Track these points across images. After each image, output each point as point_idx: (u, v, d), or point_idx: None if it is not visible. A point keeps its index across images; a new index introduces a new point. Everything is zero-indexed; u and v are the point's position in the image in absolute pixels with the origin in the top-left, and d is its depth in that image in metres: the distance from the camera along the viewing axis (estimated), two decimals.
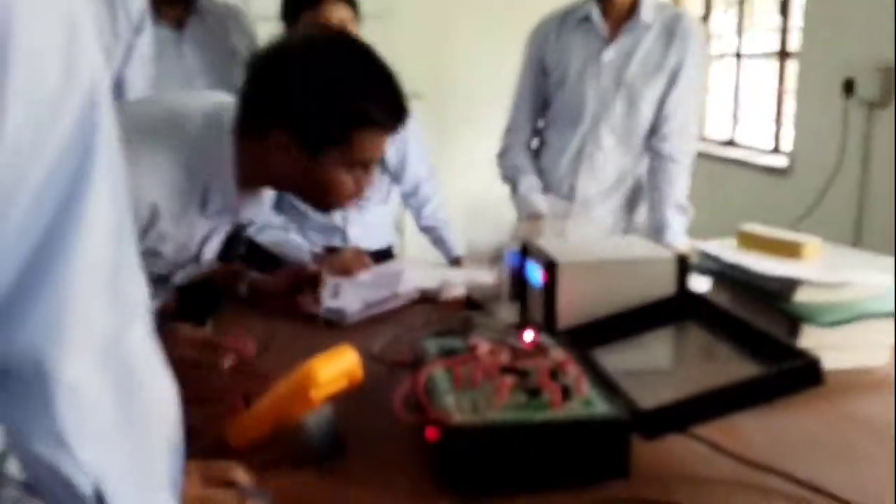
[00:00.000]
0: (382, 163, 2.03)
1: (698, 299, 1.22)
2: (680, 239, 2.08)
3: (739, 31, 4.28)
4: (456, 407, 0.88)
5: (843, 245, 1.50)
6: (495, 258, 1.58)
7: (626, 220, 2.25)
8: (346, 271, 1.77)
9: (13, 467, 0.47)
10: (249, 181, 1.24)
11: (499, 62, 3.92)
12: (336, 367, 0.94)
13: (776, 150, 3.86)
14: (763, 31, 4.14)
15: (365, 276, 1.77)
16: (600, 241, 1.48)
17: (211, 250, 1.33)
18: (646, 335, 1.20)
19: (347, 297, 1.58)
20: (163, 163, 1.15)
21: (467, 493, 0.86)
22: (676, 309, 1.21)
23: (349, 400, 0.98)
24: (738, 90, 4.26)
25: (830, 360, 0.95)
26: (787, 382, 0.92)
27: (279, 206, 1.96)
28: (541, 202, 2.06)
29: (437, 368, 0.98)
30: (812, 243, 1.38)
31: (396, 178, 2.15)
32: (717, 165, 4.05)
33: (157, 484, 0.53)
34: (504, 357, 1.00)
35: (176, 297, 1.43)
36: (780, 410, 1.01)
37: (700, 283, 1.43)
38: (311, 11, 1.91)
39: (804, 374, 0.91)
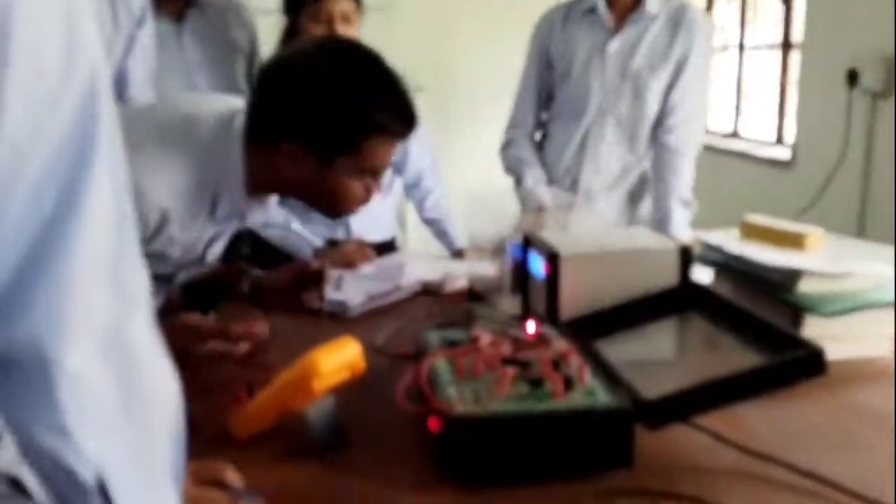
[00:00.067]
0: None
1: (701, 290, 1.22)
2: (683, 232, 2.08)
3: (742, 23, 4.26)
4: (458, 398, 0.88)
5: (847, 236, 1.49)
6: (497, 250, 1.58)
7: (629, 213, 2.24)
8: (348, 264, 1.77)
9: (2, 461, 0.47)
10: (258, 188, 1.24)
11: (501, 54, 3.92)
12: (338, 359, 0.94)
13: (779, 141, 3.85)
14: (766, 22, 4.13)
15: (367, 268, 1.77)
16: (602, 233, 1.48)
17: (215, 252, 1.34)
18: (648, 326, 1.19)
19: (350, 289, 1.58)
20: (175, 169, 1.16)
21: (470, 483, 0.86)
22: (679, 300, 1.21)
23: (352, 391, 0.98)
24: (740, 82, 4.25)
25: (833, 351, 0.95)
26: (789, 372, 0.92)
27: (282, 199, 1.96)
28: (545, 195, 2.06)
29: (439, 359, 0.98)
30: (814, 234, 1.38)
31: (398, 169, 2.14)
32: (720, 158, 4.04)
33: (159, 474, 0.53)
34: (506, 348, 1.00)
35: (181, 290, 1.43)
36: (782, 401, 1.01)
37: (703, 275, 1.42)
38: (314, 4, 1.90)
39: (807, 364, 0.91)
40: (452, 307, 1.50)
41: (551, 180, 2.21)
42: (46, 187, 0.45)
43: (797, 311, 1.23)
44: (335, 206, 1.27)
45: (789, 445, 0.94)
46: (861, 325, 1.23)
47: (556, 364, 0.95)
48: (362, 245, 1.88)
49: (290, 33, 1.98)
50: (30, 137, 0.44)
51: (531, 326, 1.07)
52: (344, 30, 1.92)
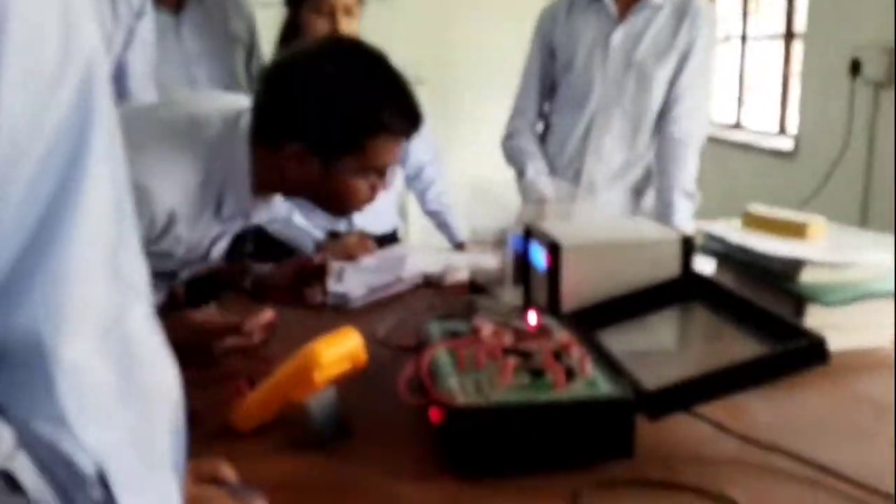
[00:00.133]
0: None
1: (703, 280, 1.22)
2: (686, 224, 2.07)
3: (744, 13, 4.25)
4: (459, 388, 0.88)
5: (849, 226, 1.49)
6: (499, 242, 1.58)
7: (633, 206, 2.23)
8: (349, 256, 1.77)
9: None
10: (264, 188, 1.25)
11: (503, 46, 3.91)
12: (339, 349, 0.94)
13: (782, 132, 3.84)
14: (768, 12, 4.11)
15: (369, 260, 1.77)
16: (604, 224, 1.47)
17: (219, 250, 1.34)
18: (650, 317, 1.19)
19: (352, 281, 1.58)
20: (182, 169, 1.17)
21: (471, 474, 0.86)
22: (681, 290, 1.21)
23: (353, 383, 0.98)
24: (743, 72, 4.24)
25: (835, 341, 0.94)
26: (792, 361, 0.91)
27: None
28: (547, 187, 2.05)
29: (440, 351, 0.98)
30: (817, 223, 1.38)
31: (399, 161, 2.14)
32: (722, 149, 4.03)
33: (159, 464, 0.53)
34: (507, 339, 1.00)
35: (184, 285, 1.43)
36: (785, 391, 1.01)
37: (705, 265, 1.42)
38: None
39: (809, 353, 0.91)
40: (454, 299, 1.50)
41: (554, 172, 2.20)
42: (44, 178, 0.45)
43: (799, 300, 1.23)
44: (340, 205, 1.27)
45: (791, 435, 0.93)
46: (863, 314, 1.23)
47: (558, 355, 0.95)
48: (363, 237, 1.88)
49: (291, 26, 1.97)
50: (27, 129, 0.44)
51: (532, 317, 1.07)
52: (346, 22, 1.92)
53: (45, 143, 0.45)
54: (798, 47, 3.71)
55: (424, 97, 1.26)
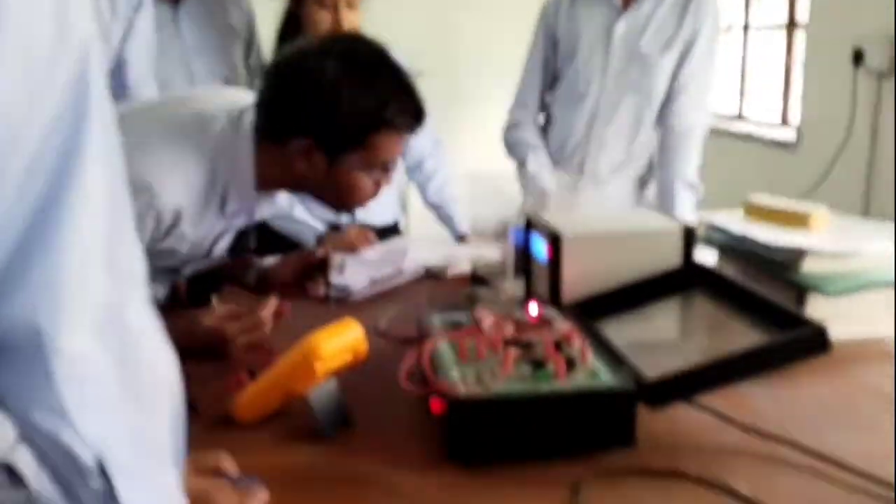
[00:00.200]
0: None
1: (704, 270, 1.22)
2: (689, 215, 2.07)
3: (747, 3, 4.23)
4: (461, 379, 0.88)
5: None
6: (500, 233, 1.58)
7: (637, 198, 2.22)
8: (350, 248, 1.77)
9: None
10: (268, 184, 1.25)
11: (505, 36, 3.90)
12: (340, 340, 0.94)
13: (784, 122, 3.83)
14: (770, 2, 4.09)
15: (370, 253, 1.77)
16: (605, 214, 1.47)
17: (222, 247, 1.34)
18: (652, 307, 1.19)
19: (353, 274, 1.57)
20: (188, 168, 1.17)
21: (472, 464, 0.86)
22: (683, 281, 1.21)
23: (355, 374, 0.98)
24: (745, 63, 4.22)
25: (837, 330, 0.94)
26: (793, 351, 0.91)
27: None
28: (548, 180, 2.05)
29: (441, 342, 0.98)
30: (819, 213, 1.37)
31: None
32: (725, 140, 4.02)
33: (158, 454, 0.53)
34: (508, 330, 1.00)
35: (186, 281, 1.43)
36: (786, 380, 1.01)
37: (707, 256, 1.42)
38: None
39: (810, 343, 0.91)
40: (455, 291, 1.50)
41: (556, 163, 2.19)
42: (39, 166, 0.45)
43: (801, 290, 1.23)
44: (345, 200, 1.28)
45: (792, 424, 0.93)
46: (865, 304, 1.23)
47: (559, 345, 0.95)
48: (364, 229, 1.88)
49: (292, 18, 1.97)
50: (22, 115, 0.44)
51: (534, 308, 1.07)
52: (348, 14, 1.91)
53: (41, 128, 0.45)
54: (800, 37, 3.69)
55: (426, 88, 1.26)
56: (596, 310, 1.15)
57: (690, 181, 2.11)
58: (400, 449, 0.91)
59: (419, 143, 2.13)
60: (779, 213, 1.40)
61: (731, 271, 1.36)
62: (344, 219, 2.06)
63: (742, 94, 4.26)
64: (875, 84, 3.03)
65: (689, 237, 1.23)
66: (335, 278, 1.54)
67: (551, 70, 2.21)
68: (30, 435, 0.47)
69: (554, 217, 1.32)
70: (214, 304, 1.37)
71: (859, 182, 3.08)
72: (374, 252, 1.78)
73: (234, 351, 1.17)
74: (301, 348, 0.93)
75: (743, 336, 1.01)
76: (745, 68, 4.23)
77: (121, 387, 0.50)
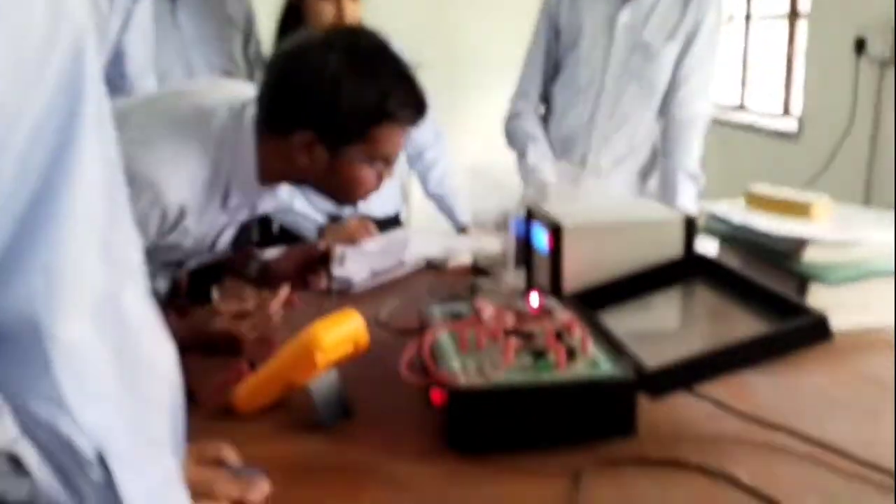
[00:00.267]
0: None
1: (705, 260, 1.21)
2: (690, 206, 2.06)
3: None
4: (461, 370, 0.88)
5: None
6: (501, 224, 1.58)
7: (639, 188, 2.21)
8: (351, 240, 1.77)
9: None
10: (270, 177, 1.25)
11: (507, 26, 3.89)
12: (340, 331, 0.94)
13: (786, 112, 3.82)
14: None
15: (371, 244, 1.77)
16: (606, 205, 1.47)
17: (225, 241, 1.34)
18: (653, 297, 1.19)
19: (355, 265, 1.58)
20: (192, 163, 1.17)
21: (473, 454, 0.86)
22: (684, 270, 1.20)
23: (356, 365, 0.98)
24: (746, 53, 4.21)
25: (838, 320, 0.94)
26: (794, 340, 0.91)
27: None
28: (548, 172, 2.04)
29: (442, 332, 0.98)
30: (821, 202, 1.37)
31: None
32: (726, 130, 4.01)
33: (157, 444, 0.52)
34: (509, 320, 1.00)
35: (188, 274, 1.43)
36: (787, 369, 1.01)
37: (709, 246, 1.42)
38: None
39: (812, 332, 0.91)
40: (456, 282, 1.50)
41: (557, 154, 2.18)
42: (34, 154, 0.45)
43: (802, 280, 1.22)
44: (347, 193, 1.28)
45: (793, 413, 0.94)
46: (866, 293, 1.23)
47: (560, 335, 0.95)
48: (364, 221, 1.88)
49: (293, 9, 1.96)
50: (16, 101, 0.43)
51: (534, 299, 1.07)
52: (350, 6, 1.91)
53: (35, 115, 0.45)
54: (802, 27, 3.68)
55: (427, 80, 1.26)
56: (597, 300, 1.15)
57: (692, 171, 2.10)
58: (400, 439, 0.91)
59: (421, 134, 2.12)
60: (780, 202, 1.40)
61: (732, 261, 1.35)
62: (345, 210, 2.06)
63: (744, 83, 4.24)
64: (877, 73, 3.02)
65: (690, 227, 1.22)
66: (336, 270, 1.54)
67: (553, 60, 2.19)
68: (29, 425, 0.47)
69: (555, 207, 1.32)
70: (215, 297, 1.37)
71: (861, 171, 3.08)
72: (375, 244, 1.78)
73: (246, 349, 1.18)
74: (302, 339, 0.93)
75: (744, 325, 1.01)
76: (746, 58, 4.21)
77: (118, 375, 0.50)
